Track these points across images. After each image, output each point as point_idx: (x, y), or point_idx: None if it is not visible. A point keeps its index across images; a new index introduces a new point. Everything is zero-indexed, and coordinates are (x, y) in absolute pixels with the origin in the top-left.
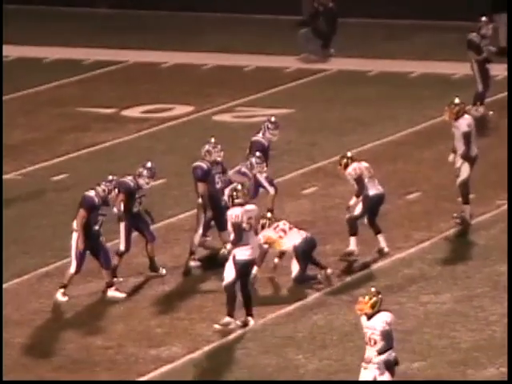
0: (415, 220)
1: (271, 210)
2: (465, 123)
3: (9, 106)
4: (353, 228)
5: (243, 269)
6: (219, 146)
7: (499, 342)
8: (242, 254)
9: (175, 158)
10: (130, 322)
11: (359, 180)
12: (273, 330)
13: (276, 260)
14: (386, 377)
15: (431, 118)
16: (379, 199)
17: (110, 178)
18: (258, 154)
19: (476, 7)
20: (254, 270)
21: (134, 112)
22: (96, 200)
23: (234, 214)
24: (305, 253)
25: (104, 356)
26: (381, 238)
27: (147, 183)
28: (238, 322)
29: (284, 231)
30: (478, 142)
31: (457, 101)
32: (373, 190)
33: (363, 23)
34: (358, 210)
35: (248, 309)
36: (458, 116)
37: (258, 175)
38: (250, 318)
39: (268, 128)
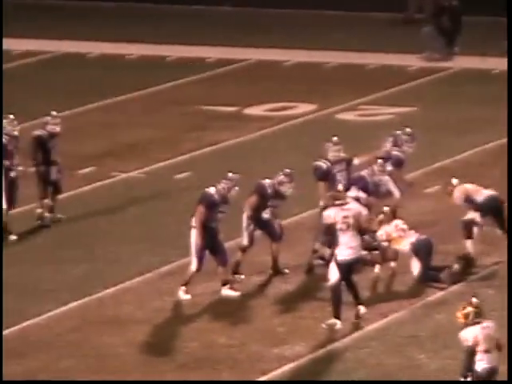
0: None
1: (394, 211)
2: None
3: (131, 105)
4: (469, 232)
5: (346, 269)
6: (340, 145)
7: None
8: (343, 254)
9: (298, 157)
10: (252, 320)
11: (467, 199)
12: (396, 329)
13: (393, 264)
14: None
15: None
16: (493, 201)
17: (231, 175)
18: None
19: None
20: (377, 268)
21: (257, 110)
22: (216, 197)
23: (327, 214)
24: (424, 251)
25: (227, 354)
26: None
27: (287, 190)
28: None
29: (404, 230)
30: None
31: None
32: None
33: (488, 20)
34: (471, 214)
35: (357, 300)
36: None
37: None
38: (360, 307)
39: (406, 141)
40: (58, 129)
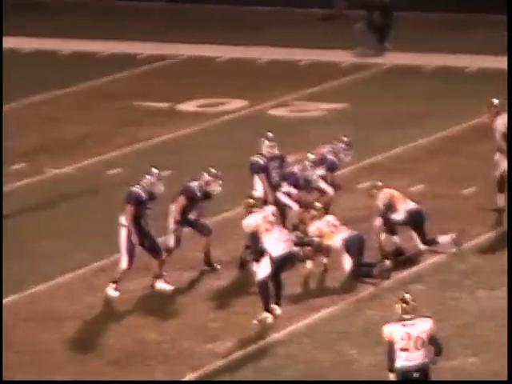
0: (470, 215)
1: (326, 207)
2: (501, 122)
3: (64, 100)
4: (393, 231)
5: (279, 264)
6: (273, 141)
7: None
8: (276, 249)
9: (230, 153)
10: (184, 316)
11: (388, 204)
12: (327, 325)
13: (324, 260)
14: None
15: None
16: (416, 213)
17: (154, 170)
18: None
19: None
20: (309, 264)
21: (189, 106)
22: (142, 195)
23: (247, 223)
24: (355, 247)
25: (158, 350)
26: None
27: (215, 190)
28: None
29: (335, 226)
30: None
31: (495, 102)
32: (407, 206)
33: (419, 17)
34: (400, 215)
35: (277, 297)
36: (496, 116)
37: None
38: (276, 306)
39: (344, 149)
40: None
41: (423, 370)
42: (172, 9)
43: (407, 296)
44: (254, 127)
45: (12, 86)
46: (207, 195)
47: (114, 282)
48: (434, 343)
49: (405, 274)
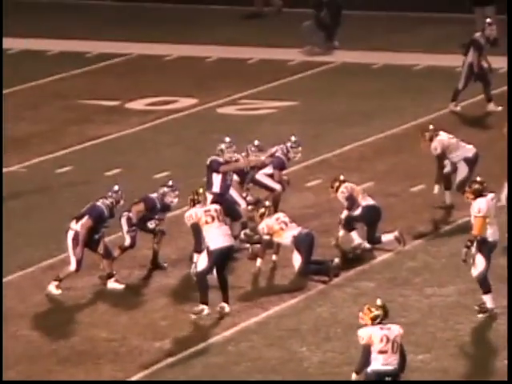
0: (419, 212)
1: (275, 205)
2: (433, 146)
3: (13, 98)
4: (349, 226)
5: (218, 257)
6: (234, 146)
7: (503, 335)
8: (215, 243)
9: (179, 151)
10: (134, 314)
11: (350, 197)
12: (277, 323)
13: (274, 257)
14: None
15: (436, 111)
16: (374, 210)
17: (116, 188)
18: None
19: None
20: (258, 262)
21: (138, 104)
22: (105, 213)
23: (188, 215)
24: (305, 245)
25: (108, 348)
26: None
27: (173, 201)
28: (218, 308)
29: (285, 223)
30: (481, 135)
31: (431, 127)
32: (366, 202)
33: (367, 15)
34: (358, 211)
35: (224, 295)
36: (431, 140)
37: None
38: (224, 305)
39: (292, 147)
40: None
41: (396, 375)
42: (120, 7)
43: (379, 301)
44: (202, 125)
45: None
46: (165, 206)
47: (57, 280)
48: (401, 350)
49: (354, 271)
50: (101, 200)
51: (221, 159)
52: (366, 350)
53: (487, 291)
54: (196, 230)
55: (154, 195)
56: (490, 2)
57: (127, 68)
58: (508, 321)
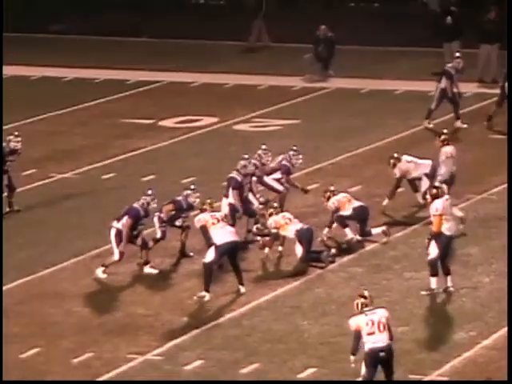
0: (399, 210)
1: (281, 205)
2: (394, 171)
3: (67, 118)
4: (343, 223)
5: (224, 251)
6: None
7: (468, 312)
8: (221, 239)
9: (203, 160)
10: (165, 294)
11: (335, 210)
12: (282, 301)
13: (280, 248)
14: None
15: (412, 127)
16: (363, 209)
17: (150, 192)
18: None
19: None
20: (266, 251)
21: (169, 122)
22: (141, 212)
23: (197, 219)
24: (306, 237)
25: (145, 322)
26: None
27: (195, 201)
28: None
29: (290, 219)
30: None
31: (395, 155)
32: (354, 204)
33: (357, 49)
34: (348, 212)
35: (239, 278)
36: (394, 166)
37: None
38: (240, 286)
39: (293, 155)
40: (19, 146)
41: (389, 349)
42: (155, 43)
43: (366, 292)
44: (222, 140)
45: (24, 105)
46: (189, 206)
47: (103, 267)
48: (389, 329)
49: (346, 258)
50: (137, 202)
51: (239, 177)
52: (356, 335)
53: (434, 274)
54: (204, 230)
55: (180, 198)
56: (455, 38)
57: (160, 93)
58: (508, 321)
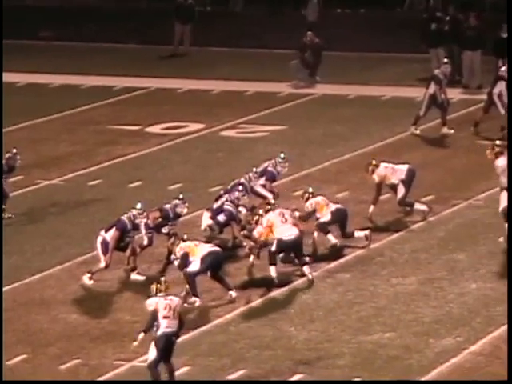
0: (385, 216)
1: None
2: (373, 177)
3: (54, 124)
4: (324, 230)
5: (206, 261)
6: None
7: (456, 317)
8: (204, 249)
9: (189, 167)
10: None
11: (311, 213)
12: (270, 307)
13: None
14: None
15: (398, 133)
16: (340, 211)
17: (139, 206)
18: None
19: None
20: (251, 258)
21: (156, 129)
22: (128, 225)
23: (181, 247)
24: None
25: (131, 329)
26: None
27: (183, 211)
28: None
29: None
30: (436, 152)
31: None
32: (331, 208)
33: (343, 56)
34: (327, 217)
35: (226, 286)
36: (373, 172)
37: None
38: (231, 292)
39: (280, 162)
40: (17, 164)
41: (177, 335)
42: (141, 49)
43: (162, 279)
44: (208, 146)
45: (10, 112)
46: (176, 215)
47: (90, 273)
48: (180, 317)
49: (333, 264)
50: (124, 215)
51: (233, 211)
52: (153, 315)
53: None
54: (184, 258)
55: (168, 206)
56: (441, 45)
57: (147, 99)
58: (508, 321)
